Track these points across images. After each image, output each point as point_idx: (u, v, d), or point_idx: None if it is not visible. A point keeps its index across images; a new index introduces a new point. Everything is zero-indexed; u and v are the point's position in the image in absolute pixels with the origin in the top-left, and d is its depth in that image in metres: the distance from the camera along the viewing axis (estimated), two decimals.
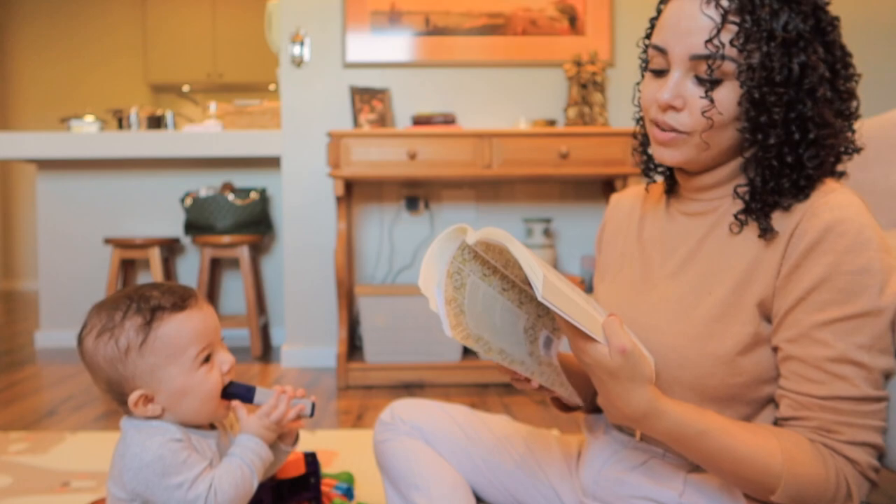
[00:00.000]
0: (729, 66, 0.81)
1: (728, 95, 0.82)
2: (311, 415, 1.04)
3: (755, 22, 0.80)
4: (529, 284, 0.79)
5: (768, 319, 0.84)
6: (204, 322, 1.00)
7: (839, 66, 0.85)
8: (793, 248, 0.81)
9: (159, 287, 1.00)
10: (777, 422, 0.84)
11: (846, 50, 0.86)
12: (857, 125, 0.87)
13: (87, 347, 0.97)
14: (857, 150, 0.87)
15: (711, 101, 0.82)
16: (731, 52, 0.81)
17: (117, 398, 0.99)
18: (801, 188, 0.83)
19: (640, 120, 0.99)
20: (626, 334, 0.76)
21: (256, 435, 1.01)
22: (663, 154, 0.89)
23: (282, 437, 1.08)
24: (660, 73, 0.87)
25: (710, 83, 0.82)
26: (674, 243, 0.95)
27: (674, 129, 0.86)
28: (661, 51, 0.86)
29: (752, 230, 0.86)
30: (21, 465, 1.84)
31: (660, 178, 1.02)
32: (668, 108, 0.86)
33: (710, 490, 0.87)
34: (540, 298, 0.68)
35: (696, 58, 0.82)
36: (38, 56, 6.73)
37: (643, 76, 0.93)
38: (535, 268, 0.69)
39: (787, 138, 0.82)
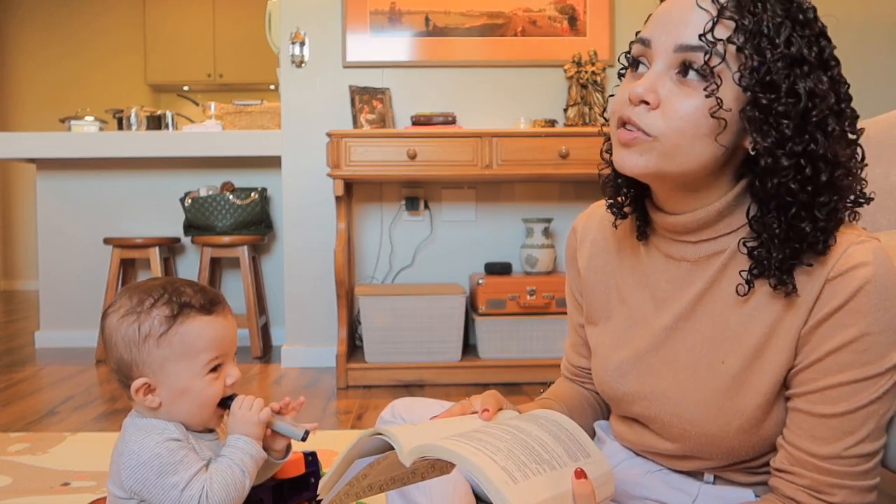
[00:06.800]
0: (720, 67, 0.72)
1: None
2: (303, 439, 1.02)
3: (756, 23, 0.72)
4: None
5: (785, 383, 0.80)
6: (224, 331, 1.01)
7: (844, 105, 0.76)
8: (817, 311, 0.75)
9: (193, 285, 1.02)
10: (770, 470, 0.81)
11: (849, 91, 0.77)
12: (864, 174, 0.79)
13: (111, 323, 0.99)
14: (868, 200, 0.79)
15: (720, 101, 0.72)
16: (727, 49, 0.72)
17: (122, 380, 1.01)
18: (821, 232, 0.74)
19: (607, 138, 0.87)
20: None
21: (244, 433, 1.00)
22: (624, 158, 0.78)
23: (270, 450, 1.06)
24: (639, 70, 0.79)
25: (708, 78, 0.73)
26: (663, 290, 0.87)
27: (640, 130, 0.76)
28: (645, 43, 0.77)
29: (759, 292, 0.79)
30: (21, 465, 1.85)
31: (628, 218, 0.92)
32: (641, 102, 0.76)
33: (726, 497, 0.85)
34: None
35: (681, 49, 0.74)
36: (38, 56, 6.72)
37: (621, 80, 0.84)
38: (501, 492, 0.63)
39: (797, 174, 0.73)
